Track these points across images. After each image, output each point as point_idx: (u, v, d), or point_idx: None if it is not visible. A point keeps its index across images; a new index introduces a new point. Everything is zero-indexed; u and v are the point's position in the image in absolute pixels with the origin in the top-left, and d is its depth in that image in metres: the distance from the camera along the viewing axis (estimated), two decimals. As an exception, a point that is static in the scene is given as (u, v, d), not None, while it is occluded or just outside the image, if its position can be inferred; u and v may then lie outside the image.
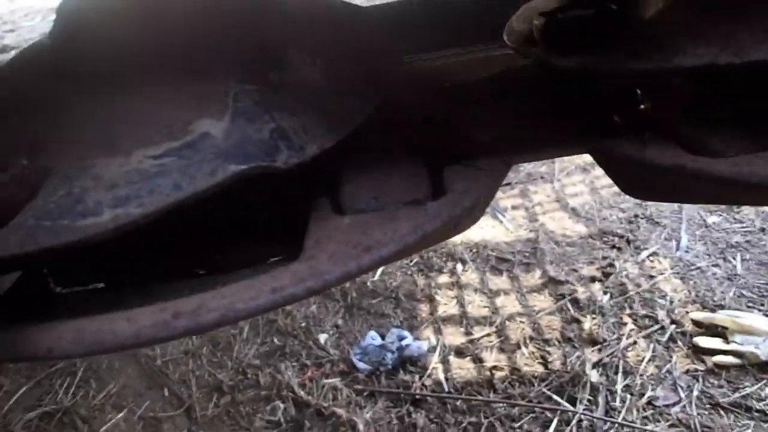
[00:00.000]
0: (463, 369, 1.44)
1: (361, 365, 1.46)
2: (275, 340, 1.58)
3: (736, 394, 1.27)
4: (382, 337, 1.51)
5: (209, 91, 0.42)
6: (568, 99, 0.55)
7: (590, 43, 0.49)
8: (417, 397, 1.38)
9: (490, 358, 1.44)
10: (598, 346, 1.42)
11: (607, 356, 1.40)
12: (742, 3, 0.45)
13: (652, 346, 1.41)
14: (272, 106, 0.41)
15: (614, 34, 0.49)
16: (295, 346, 1.55)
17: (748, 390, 1.28)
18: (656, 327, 1.46)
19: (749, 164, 0.44)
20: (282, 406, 1.41)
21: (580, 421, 1.28)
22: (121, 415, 1.43)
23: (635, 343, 1.43)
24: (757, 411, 1.24)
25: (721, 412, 1.25)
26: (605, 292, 1.57)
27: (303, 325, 1.60)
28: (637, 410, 1.29)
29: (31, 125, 0.42)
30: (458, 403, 1.36)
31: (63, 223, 0.34)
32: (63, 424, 1.43)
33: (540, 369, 1.40)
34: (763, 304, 1.48)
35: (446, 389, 1.39)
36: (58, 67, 0.46)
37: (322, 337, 1.56)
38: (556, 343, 1.46)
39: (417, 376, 1.42)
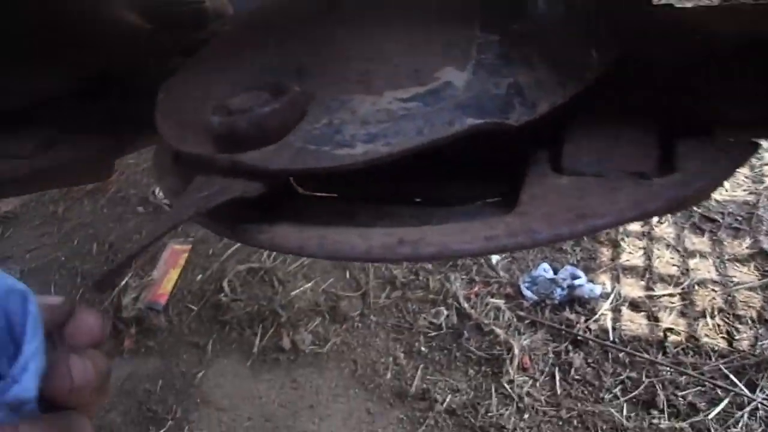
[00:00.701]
0: (635, 323, 1.39)
1: (528, 294, 1.48)
2: (450, 251, 1.65)
3: None
4: (555, 272, 1.50)
5: (455, 38, 0.44)
6: None
7: None
8: (578, 338, 1.38)
9: (667, 319, 1.37)
10: (800, 338, 1.27)
11: (809, 351, 1.25)
12: None
13: None
14: (512, 60, 0.42)
15: None
16: (467, 261, 1.61)
17: None
18: None
19: None
20: (445, 312, 1.50)
21: (755, 409, 1.19)
22: (309, 285, 1.65)
23: None
24: None
25: None
26: (827, 281, 1.37)
27: (478, 242, 1.64)
28: (831, 417, 1.15)
29: (302, 52, 0.49)
30: (621, 354, 1.33)
31: (324, 149, 0.40)
32: (263, 281, 1.69)
33: (722, 344, 1.30)
34: None
35: (611, 338, 1.36)
36: (328, 1, 0.52)
37: (495, 258, 1.60)
38: (749, 321, 1.33)
39: (583, 318, 1.41)
